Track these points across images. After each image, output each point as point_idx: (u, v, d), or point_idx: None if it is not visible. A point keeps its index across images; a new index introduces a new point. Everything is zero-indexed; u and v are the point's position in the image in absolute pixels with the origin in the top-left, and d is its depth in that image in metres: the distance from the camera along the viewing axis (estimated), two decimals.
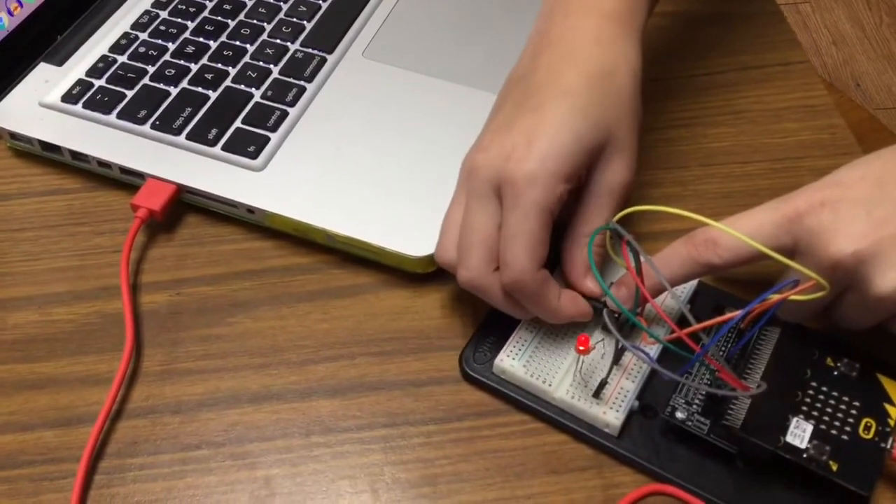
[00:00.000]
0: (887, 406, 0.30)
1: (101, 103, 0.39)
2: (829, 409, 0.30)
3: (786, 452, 0.28)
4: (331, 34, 0.43)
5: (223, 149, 0.37)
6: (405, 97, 0.40)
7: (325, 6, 0.44)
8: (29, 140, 0.39)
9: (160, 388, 0.32)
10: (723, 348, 0.32)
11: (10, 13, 0.41)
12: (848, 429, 0.29)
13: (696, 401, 0.30)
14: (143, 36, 0.42)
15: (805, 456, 0.28)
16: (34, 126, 0.39)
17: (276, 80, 0.40)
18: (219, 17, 0.43)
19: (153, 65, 0.41)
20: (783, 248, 0.29)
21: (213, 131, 0.38)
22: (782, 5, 0.47)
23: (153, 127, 0.38)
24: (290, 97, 0.40)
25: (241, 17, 0.43)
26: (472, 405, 0.32)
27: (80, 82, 0.40)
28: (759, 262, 0.30)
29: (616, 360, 0.31)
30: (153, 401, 0.32)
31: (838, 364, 0.31)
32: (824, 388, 0.30)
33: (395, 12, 0.44)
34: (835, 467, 0.28)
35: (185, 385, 0.32)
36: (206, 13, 0.43)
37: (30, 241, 0.37)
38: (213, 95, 0.40)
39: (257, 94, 0.40)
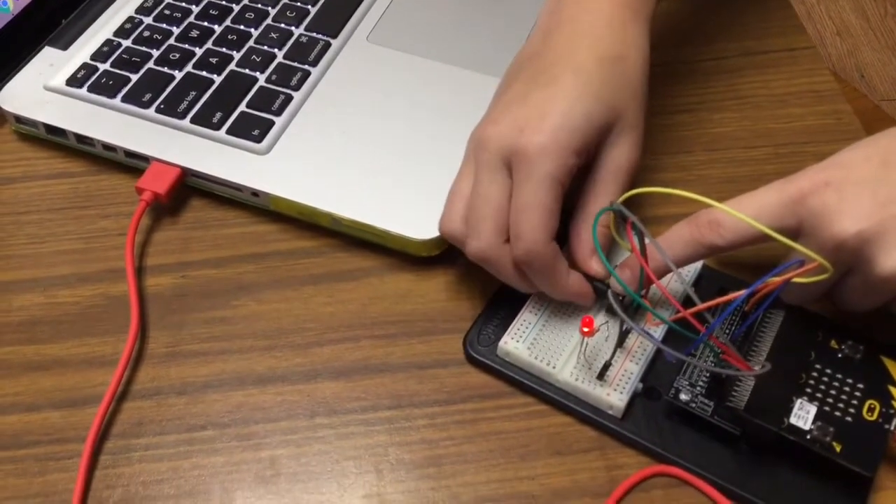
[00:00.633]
0: (891, 388, 0.30)
1: (105, 87, 0.39)
2: (832, 391, 0.30)
3: (789, 433, 0.28)
4: (335, 19, 0.43)
5: (228, 132, 0.37)
6: (409, 81, 0.40)
7: None
8: (34, 123, 0.39)
9: (165, 370, 0.32)
10: (727, 331, 0.32)
11: None
12: (852, 410, 0.29)
13: (700, 383, 0.31)
14: (148, 20, 0.42)
15: (809, 437, 0.28)
16: (39, 109, 0.39)
17: (280, 64, 0.40)
18: (223, 2, 0.43)
19: (158, 49, 0.41)
20: (787, 229, 0.29)
21: (218, 115, 0.38)
22: None
23: (158, 111, 0.38)
24: (294, 81, 0.40)
25: (246, 1, 0.43)
26: (476, 387, 0.32)
27: (84, 66, 0.40)
28: (763, 243, 0.30)
29: (620, 342, 0.31)
30: (158, 382, 0.32)
31: (842, 346, 0.31)
32: (828, 371, 0.30)
33: None
34: (838, 448, 0.28)
35: (191, 367, 0.33)
36: None
37: (35, 223, 0.37)
38: (218, 79, 0.40)
39: (262, 79, 0.40)
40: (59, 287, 0.35)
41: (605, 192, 0.32)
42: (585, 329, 0.29)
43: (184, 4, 0.43)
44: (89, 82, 0.39)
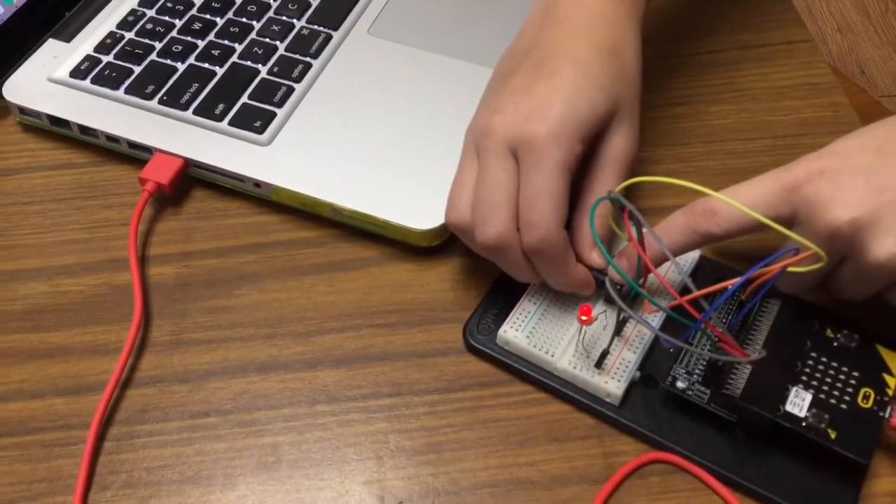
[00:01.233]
0: (886, 376, 0.30)
1: (109, 79, 0.39)
2: (828, 379, 0.30)
3: (785, 421, 0.29)
4: (336, 11, 0.43)
5: (230, 124, 0.38)
6: (410, 73, 0.40)
7: None
8: (38, 115, 0.39)
9: (168, 358, 0.33)
10: (724, 319, 0.32)
11: None
12: (847, 398, 0.29)
13: (697, 371, 0.31)
14: (151, 13, 0.43)
15: (804, 424, 0.29)
16: (43, 101, 0.39)
17: (282, 56, 0.41)
18: None
19: (160, 41, 0.41)
20: (782, 217, 0.29)
21: (220, 106, 0.38)
22: None
23: (161, 102, 0.39)
24: (296, 73, 0.40)
25: None
26: (475, 376, 0.32)
27: (88, 58, 0.40)
28: (759, 231, 0.30)
29: (618, 331, 0.32)
30: (161, 370, 0.33)
31: (838, 335, 0.31)
32: (824, 359, 0.31)
33: None
34: (833, 435, 0.28)
35: (193, 355, 0.33)
36: None
37: (39, 214, 0.37)
38: (220, 71, 0.40)
39: (263, 71, 0.40)
40: (63, 276, 0.35)
41: (605, 182, 0.32)
42: (583, 318, 0.30)
43: None
44: (93, 74, 0.40)
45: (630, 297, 0.33)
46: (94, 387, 0.32)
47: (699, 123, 0.40)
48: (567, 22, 0.33)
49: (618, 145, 0.32)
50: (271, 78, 0.40)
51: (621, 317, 0.31)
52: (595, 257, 0.32)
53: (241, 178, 0.37)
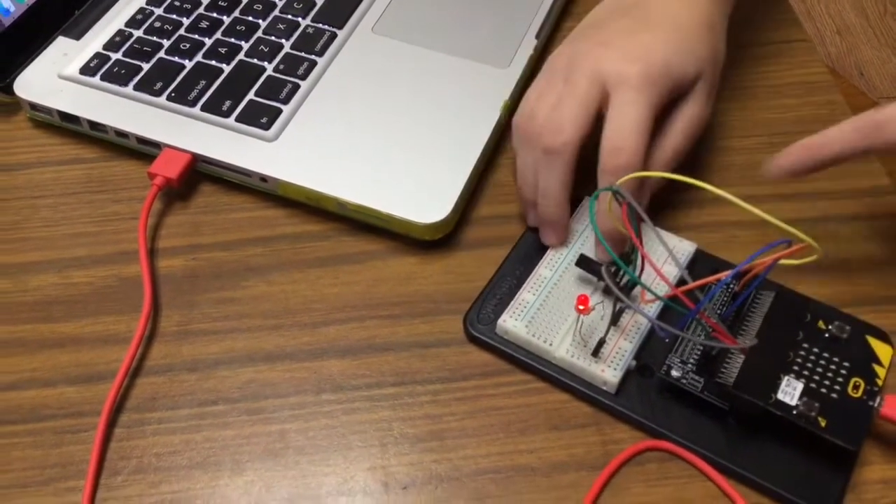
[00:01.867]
0: (876, 367, 0.31)
1: (118, 76, 0.40)
2: (819, 369, 0.31)
3: (776, 409, 0.29)
4: (341, 10, 0.44)
5: (237, 120, 0.39)
6: (413, 71, 0.41)
7: None
8: (48, 111, 0.40)
9: (177, 348, 0.34)
10: (718, 311, 0.33)
11: None
12: (837, 388, 0.30)
13: (692, 360, 0.32)
14: (159, 11, 0.43)
15: (795, 412, 0.29)
16: (53, 97, 0.40)
17: (287, 54, 0.42)
18: None
19: (168, 39, 0.42)
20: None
21: (227, 103, 0.39)
22: None
23: (169, 98, 0.39)
24: (301, 71, 0.41)
25: None
26: (477, 365, 0.33)
27: (97, 55, 0.41)
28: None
29: (615, 321, 0.32)
30: (170, 359, 0.33)
31: (829, 327, 0.32)
32: (815, 349, 0.31)
33: None
34: (823, 423, 0.29)
35: (202, 345, 0.34)
36: None
37: (50, 207, 0.38)
38: (227, 69, 0.41)
39: (269, 68, 0.41)
40: (73, 268, 0.36)
41: (675, 140, 0.35)
42: (581, 307, 0.31)
43: None
44: (102, 71, 0.40)
45: (627, 288, 0.33)
46: (104, 375, 0.33)
47: None
48: None
49: (692, 109, 0.35)
50: (277, 75, 0.41)
51: (618, 307, 0.32)
52: (599, 253, 0.33)
53: (247, 173, 0.37)
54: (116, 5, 0.44)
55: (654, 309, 0.33)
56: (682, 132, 0.35)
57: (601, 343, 0.32)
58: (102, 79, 0.40)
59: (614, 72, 0.33)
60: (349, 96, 0.40)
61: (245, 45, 0.42)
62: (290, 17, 0.43)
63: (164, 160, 0.38)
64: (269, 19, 0.43)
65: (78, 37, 0.43)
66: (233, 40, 0.42)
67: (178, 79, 0.40)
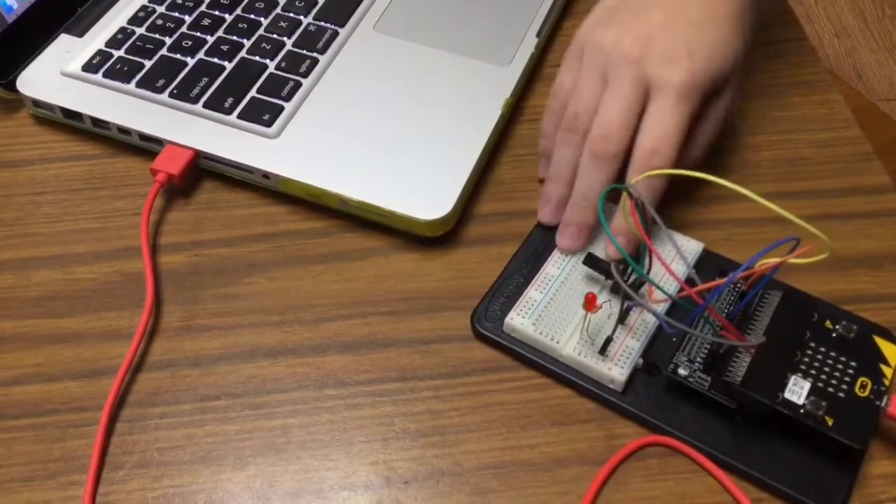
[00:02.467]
0: (883, 367, 0.31)
1: (120, 73, 0.40)
2: (826, 369, 0.31)
3: (783, 408, 0.29)
4: (343, 8, 0.44)
5: (239, 117, 0.39)
6: (414, 69, 0.41)
7: None
8: (51, 108, 0.40)
9: (180, 343, 0.34)
10: (725, 310, 0.33)
11: None
12: (844, 387, 0.30)
13: (699, 359, 0.32)
14: (161, 9, 0.43)
15: (802, 411, 0.29)
16: (56, 94, 0.40)
17: (289, 51, 0.42)
18: None
19: (171, 36, 0.42)
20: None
21: (230, 100, 0.39)
22: None
23: (171, 95, 0.39)
24: (303, 68, 0.41)
25: None
26: (479, 361, 0.33)
27: (100, 52, 0.41)
28: None
29: (622, 319, 0.32)
30: (173, 355, 0.33)
31: (836, 326, 0.32)
32: (822, 349, 0.31)
33: None
34: (830, 422, 0.29)
35: (204, 340, 0.34)
36: None
37: (52, 204, 0.38)
38: (229, 66, 0.41)
39: (271, 66, 0.41)
40: (76, 264, 0.36)
41: (705, 141, 0.36)
42: (588, 306, 0.31)
43: None
44: (104, 68, 0.41)
45: (634, 285, 0.34)
46: (107, 370, 0.33)
47: None
48: None
49: (724, 103, 0.35)
50: (279, 73, 0.41)
51: (625, 305, 0.32)
52: (609, 249, 0.34)
53: (250, 170, 0.38)
54: (119, 3, 0.44)
55: (662, 307, 0.33)
56: (713, 129, 0.36)
57: (608, 341, 0.32)
58: (105, 76, 0.40)
59: (658, 76, 0.33)
60: (351, 94, 0.40)
61: (247, 43, 0.42)
62: (291, 15, 0.43)
63: (166, 157, 0.38)
64: (271, 17, 0.43)
65: (81, 34, 0.43)
66: (235, 38, 0.42)
67: (181, 76, 0.40)
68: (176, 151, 0.38)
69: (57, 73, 0.41)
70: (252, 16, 0.43)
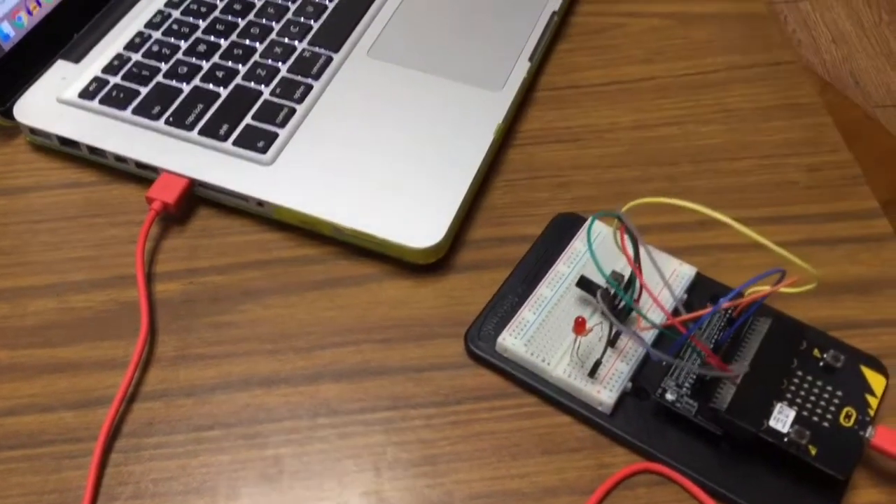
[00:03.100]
0: (868, 397, 0.31)
1: (116, 100, 0.41)
2: (812, 397, 0.31)
3: (768, 435, 0.30)
4: (337, 34, 0.44)
5: (234, 144, 0.39)
6: (408, 95, 0.42)
7: (331, 6, 0.46)
8: (48, 135, 0.40)
9: (174, 373, 0.34)
10: (714, 336, 0.33)
11: (28, 13, 0.43)
12: (829, 416, 0.30)
13: (687, 384, 0.32)
14: (157, 35, 0.44)
15: (786, 440, 0.30)
16: (53, 121, 0.40)
17: (284, 78, 0.42)
18: (229, 17, 0.45)
19: (166, 63, 0.42)
20: None
21: (224, 127, 0.40)
22: (783, 3, 0.49)
23: (167, 123, 0.40)
24: (297, 95, 0.41)
25: (251, 16, 0.45)
26: (470, 390, 0.34)
27: (96, 79, 0.42)
28: None
29: (612, 343, 0.33)
30: (167, 384, 0.34)
31: (824, 355, 0.32)
32: (809, 378, 0.32)
33: (398, 12, 0.46)
34: (814, 452, 0.29)
35: (198, 369, 0.34)
36: (216, 13, 0.45)
37: (49, 231, 0.39)
38: (224, 93, 0.41)
39: (266, 92, 0.41)
40: (72, 292, 0.36)
41: None
42: (578, 329, 0.31)
43: (191, 20, 0.45)
44: (101, 95, 0.41)
45: (624, 312, 0.34)
46: (102, 400, 0.33)
47: (688, 143, 0.42)
48: None
49: None
50: (274, 99, 0.41)
51: (614, 329, 0.32)
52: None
53: (244, 198, 0.38)
54: (115, 29, 0.45)
55: (650, 333, 0.33)
56: None
57: (598, 364, 0.32)
58: (101, 103, 0.41)
59: None
60: (344, 120, 0.41)
61: (242, 69, 0.42)
62: (286, 40, 0.44)
63: (161, 185, 0.38)
64: (266, 42, 0.44)
65: (77, 60, 0.43)
66: (230, 64, 0.42)
67: (176, 103, 0.41)
68: (171, 179, 0.38)
69: (53, 100, 0.41)
70: (247, 41, 0.44)
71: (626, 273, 0.34)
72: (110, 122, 0.40)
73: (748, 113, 0.43)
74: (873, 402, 0.31)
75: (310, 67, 0.42)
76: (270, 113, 0.40)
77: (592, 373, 0.32)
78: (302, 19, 0.45)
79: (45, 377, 0.34)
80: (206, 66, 0.42)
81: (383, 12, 0.46)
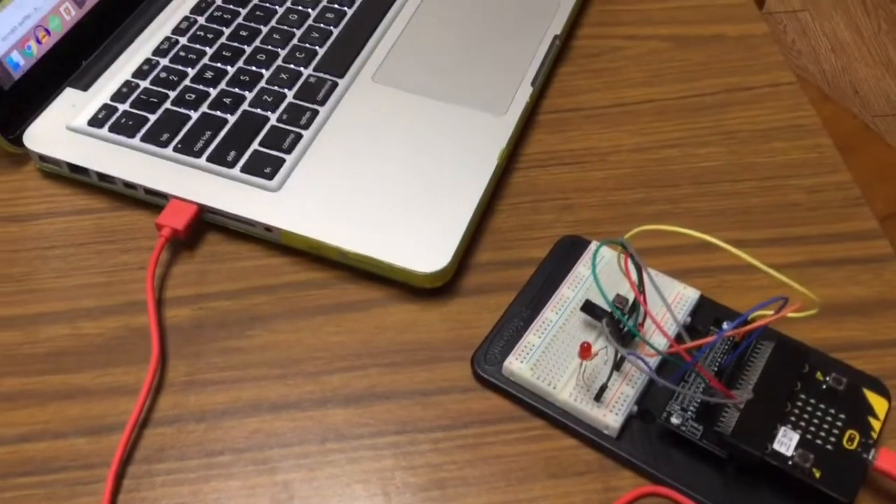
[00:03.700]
0: (871, 420, 0.32)
1: (125, 127, 0.41)
2: (815, 420, 0.31)
3: (772, 459, 0.30)
4: (342, 59, 0.45)
5: (241, 170, 0.40)
6: (412, 120, 0.42)
7: (336, 32, 0.46)
8: (57, 162, 0.41)
9: (185, 398, 0.34)
10: (718, 360, 0.34)
11: (38, 41, 0.43)
12: (833, 439, 0.31)
13: (692, 408, 0.32)
14: (164, 62, 0.44)
15: (790, 463, 0.30)
16: (62, 149, 0.41)
17: (290, 103, 0.43)
18: (236, 44, 0.45)
19: (174, 90, 0.43)
20: None
21: (232, 153, 0.40)
22: (782, 13, 0.49)
23: (175, 149, 0.40)
24: (303, 120, 0.42)
25: (257, 43, 0.46)
26: (477, 413, 0.34)
27: (105, 107, 0.42)
28: None
29: (617, 366, 0.33)
30: (178, 410, 0.34)
31: (827, 378, 0.33)
32: (812, 401, 0.32)
33: (402, 38, 0.47)
34: (818, 474, 0.30)
35: (209, 395, 0.35)
36: (223, 39, 0.46)
37: (59, 258, 0.39)
38: (232, 119, 0.42)
39: (273, 118, 0.42)
40: (83, 319, 0.37)
41: None
42: (584, 354, 0.31)
43: (198, 46, 0.45)
44: (110, 122, 0.42)
45: (629, 336, 0.34)
46: (114, 427, 0.33)
47: (689, 165, 0.42)
48: None
49: None
50: (280, 125, 0.42)
51: (619, 354, 0.33)
52: None
53: (252, 223, 0.38)
54: (122, 56, 0.45)
55: (655, 359, 0.34)
56: None
57: (604, 388, 0.33)
58: (110, 130, 0.41)
59: None
60: (350, 145, 0.41)
61: (249, 95, 0.43)
62: (292, 66, 0.44)
63: (171, 211, 0.39)
64: (273, 69, 0.44)
65: (85, 87, 0.44)
66: (237, 90, 0.43)
67: (185, 130, 0.41)
68: (180, 206, 0.39)
69: (63, 128, 0.42)
70: (253, 68, 0.44)
71: (630, 297, 0.34)
72: (119, 149, 0.41)
73: (748, 135, 0.44)
74: (876, 424, 0.31)
75: (315, 93, 0.43)
76: (277, 139, 0.41)
77: (598, 397, 0.33)
78: (307, 45, 0.45)
79: (57, 403, 0.34)
80: (213, 92, 0.43)
81: (387, 38, 0.46)
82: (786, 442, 0.31)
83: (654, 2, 0.50)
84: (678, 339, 0.30)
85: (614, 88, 0.46)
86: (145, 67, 0.44)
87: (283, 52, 0.45)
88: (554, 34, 0.46)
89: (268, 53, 0.45)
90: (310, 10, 0.47)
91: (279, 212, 0.38)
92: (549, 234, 0.39)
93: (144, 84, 0.43)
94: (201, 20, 0.47)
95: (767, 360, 0.33)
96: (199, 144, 0.41)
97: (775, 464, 0.30)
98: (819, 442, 0.31)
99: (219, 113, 0.42)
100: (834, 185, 0.41)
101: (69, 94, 0.44)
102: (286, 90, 0.43)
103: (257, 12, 0.47)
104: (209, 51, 0.45)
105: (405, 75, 0.44)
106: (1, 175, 0.42)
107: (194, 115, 0.42)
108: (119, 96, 0.43)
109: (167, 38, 0.46)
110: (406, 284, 0.37)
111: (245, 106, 0.42)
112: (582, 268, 0.37)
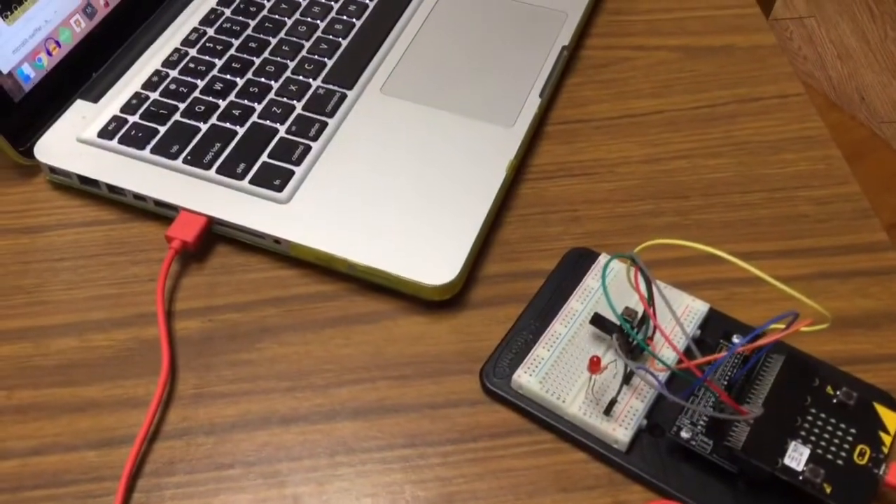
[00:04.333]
0: (882, 434, 0.31)
1: (135, 139, 0.41)
2: (826, 435, 0.31)
3: (783, 474, 0.30)
4: (350, 71, 0.45)
5: (251, 182, 0.40)
6: (421, 132, 0.42)
7: (345, 44, 0.46)
8: (68, 174, 0.41)
9: (194, 411, 0.34)
10: (728, 374, 0.34)
11: (48, 53, 0.43)
12: (843, 454, 0.31)
13: (701, 422, 0.32)
14: (174, 73, 0.45)
15: (801, 478, 0.30)
16: (72, 161, 0.41)
17: (299, 115, 0.43)
18: (245, 55, 0.46)
19: (184, 101, 0.43)
20: None
21: (242, 165, 0.40)
22: (788, 20, 0.49)
23: (185, 161, 0.41)
24: (312, 132, 0.42)
25: (266, 54, 0.46)
26: (486, 426, 0.34)
27: (115, 118, 0.42)
28: None
29: (627, 380, 0.33)
30: (188, 422, 0.34)
31: (837, 392, 0.32)
32: (823, 415, 0.32)
33: (410, 49, 0.47)
34: (829, 490, 0.30)
35: (218, 408, 0.35)
36: (232, 51, 0.46)
37: (70, 270, 0.39)
38: (241, 131, 0.42)
39: (282, 130, 0.42)
40: (93, 331, 0.37)
41: None
42: (593, 368, 0.31)
43: (207, 58, 0.45)
44: (120, 134, 0.42)
45: (638, 350, 0.34)
46: (124, 440, 0.33)
47: (698, 177, 0.42)
48: None
49: None
50: (290, 137, 0.42)
51: (628, 368, 0.33)
52: None
53: (261, 235, 0.39)
54: (132, 68, 0.45)
55: (663, 375, 0.34)
56: None
57: (613, 402, 0.33)
58: (120, 142, 0.42)
59: None
60: (358, 157, 0.41)
61: (258, 107, 0.43)
62: (301, 78, 0.45)
63: (181, 223, 0.39)
64: (282, 80, 0.44)
65: (95, 99, 0.44)
66: (246, 102, 0.43)
67: (194, 142, 0.41)
68: (190, 218, 0.39)
69: (73, 140, 0.42)
70: (263, 79, 0.44)
71: (640, 310, 0.34)
72: (129, 160, 0.41)
73: (757, 146, 0.43)
74: (887, 439, 0.31)
75: (324, 105, 0.43)
76: (286, 151, 0.41)
77: (608, 410, 0.33)
78: (316, 57, 0.46)
79: (67, 416, 0.34)
80: (222, 104, 0.43)
81: (395, 49, 0.47)
82: (796, 457, 0.31)
83: (662, 12, 0.50)
84: (688, 352, 0.30)
85: (623, 99, 0.46)
86: (155, 79, 0.44)
87: (291, 64, 0.45)
88: (562, 45, 0.46)
89: (277, 65, 0.45)
90: (318, 22, 0.47)
91: (288, 224, 0.38)
92: (558, 246, 0.39)
93: (154, 96, 0.44)
94: (210, 32, 0.47)
95: (777, 374, 0.33)
96: (209, 156, 0.41)
97: (786, 479, 0.30)
98: (830, 457, 0.31)
99: (228, 125, 0.42)
100: (842, 197, 0.41)
101: (79, 106, 0.44)
102: (295, 102, 0.43)
103: (266, 24, 0.47)
104: (218, 62, 0.45)
105: (414, 87, 0.45)
106: (12, 187, 0.43)
107: (204, 127, 0.42)
108: (129, 108, 0.43)
109: (176, 50, 0.46)
110: (414, 297, 0.37)
111: (254, 118, 0.43)
112: (591, 280, 0.37)
